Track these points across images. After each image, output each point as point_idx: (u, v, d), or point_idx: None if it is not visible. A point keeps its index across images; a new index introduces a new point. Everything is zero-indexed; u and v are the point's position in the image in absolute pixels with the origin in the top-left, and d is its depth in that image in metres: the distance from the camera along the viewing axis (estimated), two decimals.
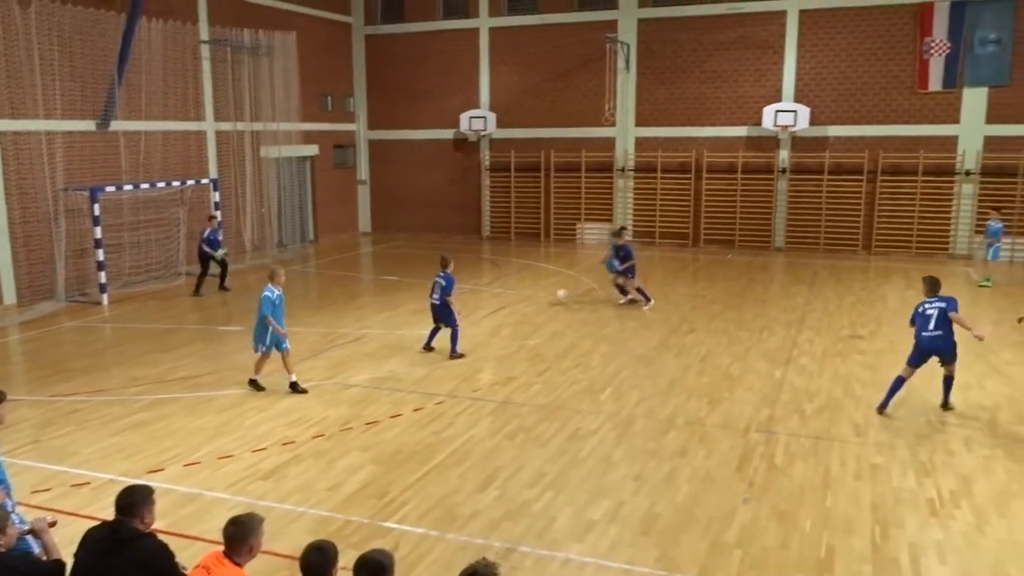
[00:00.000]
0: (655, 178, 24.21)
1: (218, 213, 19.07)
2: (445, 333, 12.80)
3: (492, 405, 10.38)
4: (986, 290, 17.29)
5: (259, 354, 11.00)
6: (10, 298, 16.29)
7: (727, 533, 7.02)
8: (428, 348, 12.97)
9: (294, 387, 10.96)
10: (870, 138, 22.05)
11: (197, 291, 17.51)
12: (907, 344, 12.99)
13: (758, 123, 22.71)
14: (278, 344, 10.91)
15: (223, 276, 17.93)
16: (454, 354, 12.58)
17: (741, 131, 23.29)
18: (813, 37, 22.27)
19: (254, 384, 11.09)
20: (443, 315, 12.77)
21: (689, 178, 23.88)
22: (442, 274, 12.78)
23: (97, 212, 16.59)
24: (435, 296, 12.74)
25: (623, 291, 16.14)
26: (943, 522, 7.17)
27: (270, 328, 10.76)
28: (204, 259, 17.63)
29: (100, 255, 16.74)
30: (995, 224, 18.23)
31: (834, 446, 8.92)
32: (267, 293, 10.77)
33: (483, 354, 12.79)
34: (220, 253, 17.67)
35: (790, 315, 15.23)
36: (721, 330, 14.16)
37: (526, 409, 10.22)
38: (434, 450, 8.93)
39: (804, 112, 22.10)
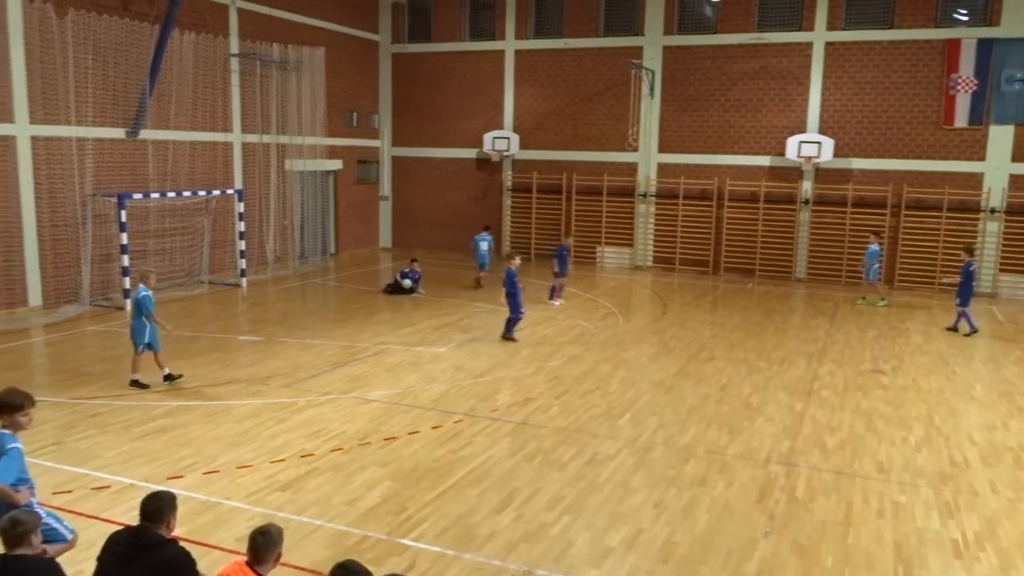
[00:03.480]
0: (676, 204, 24.23)
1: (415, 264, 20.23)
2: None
3: (510, 426, 10.35)
4: (987, 318, 17.14)
5: (140, 353, 11.62)
6: (36, 300, 16.45)
7: (747, 566, 6.94)
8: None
9: (168, 378, 11.76)
10: (894, 172, 21.99)
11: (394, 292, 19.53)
12: (930, 382, 12.95)
13: (781, 153, 22.72)
14: (153, 344, 11.64)
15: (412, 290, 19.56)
16: (507, 335, 14.92)
17: (764, 160, 23.29)
18: (839, 69, 22.30)
19: (168, 377, 11.72)
20: (511, 304, 14.98)
21: (710, 206, 23.87)
22: (514, 269, 15.10)
23: (124, 218, 16.76)
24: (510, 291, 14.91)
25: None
26: (968, 564, 7.06)
27: (148, 327, 11.52)
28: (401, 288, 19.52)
29: (125, 261, 16.89)
30: (874, 247, 19.46)
31: (856, 482, 8.82)
32: (147, 293, 11.57)
33: (501, 374, 12.78)
34: (407, 284, 19.55)
35: (811, 347, 15.13)
36: (741, 359, 14.09)
37: (544, 431, 10.18)
38: (452, 468, 8.90)
39: (828, 144, 22.09)
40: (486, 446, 9.61)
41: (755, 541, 7.38)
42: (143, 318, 11.47)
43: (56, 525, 5.90)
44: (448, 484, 8.48)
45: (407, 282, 19.48)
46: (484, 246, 21.62)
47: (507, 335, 14.98)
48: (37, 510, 5.67)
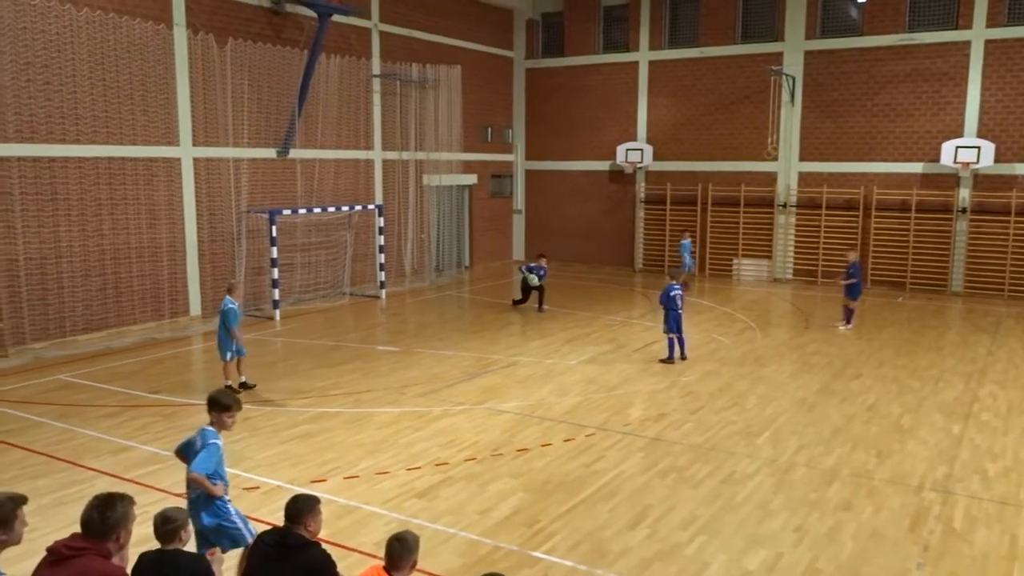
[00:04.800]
0: (819, 215, 23.22)
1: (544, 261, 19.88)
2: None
3: (643, 441, 10.19)
4: None
5: (229, 362, 12.16)
6: (195, 310, 17.67)
7: None
8: (671, 359, 14.30)
9: (244, 385, 12.27)
10: None
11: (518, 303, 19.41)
12: None
13: (935, 159, 21.35)
14: (239, 351, 12.24)
15: (540, 299, 19.04)
16: (683, 357, 14.31)
17: (916, 167, 21.96)
18: (1001, 68, 20.75)
19: (244, 386, 12.23)
20: (680, 324, 14.20)
21: (856, 216, 22.73)
22: (679, 286, 14.27)
23: (274, 233, 17.78)
24: (681, 307, 14.19)
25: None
26: None
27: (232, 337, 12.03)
28: (524, 285, 19.18)
29: (275, 273, 17.90)
30: None
31: (1023, 514, 8.11)
32: (232, 305, 12.03)
33: (634, 388, 12.62)
34: (534, 280, 18.94)
35: (969, 366, 14.09)
36: (891, 377, 13.29)
37: (678, 448, 9.96)
38: (584, 482, 8.85)
39: (988, 148, 20.56)
40: (618, 461, 9.50)
41: (907, 572, 6.92)
42: (227, 330, 12.04)
43: (242, 527, 6.17)
44: (580, 498, 8.44)
45: (533, 277, 18.83)
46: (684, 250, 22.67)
47: (683, 355, 14.41)
48: (228, 508, 6.08)
